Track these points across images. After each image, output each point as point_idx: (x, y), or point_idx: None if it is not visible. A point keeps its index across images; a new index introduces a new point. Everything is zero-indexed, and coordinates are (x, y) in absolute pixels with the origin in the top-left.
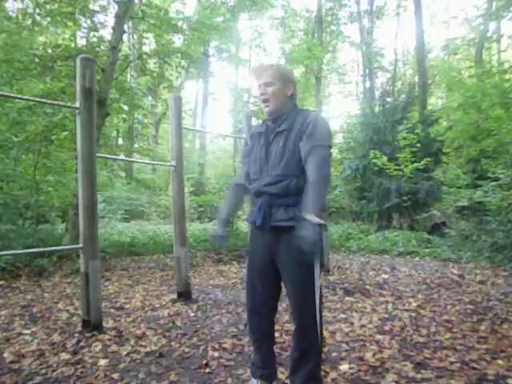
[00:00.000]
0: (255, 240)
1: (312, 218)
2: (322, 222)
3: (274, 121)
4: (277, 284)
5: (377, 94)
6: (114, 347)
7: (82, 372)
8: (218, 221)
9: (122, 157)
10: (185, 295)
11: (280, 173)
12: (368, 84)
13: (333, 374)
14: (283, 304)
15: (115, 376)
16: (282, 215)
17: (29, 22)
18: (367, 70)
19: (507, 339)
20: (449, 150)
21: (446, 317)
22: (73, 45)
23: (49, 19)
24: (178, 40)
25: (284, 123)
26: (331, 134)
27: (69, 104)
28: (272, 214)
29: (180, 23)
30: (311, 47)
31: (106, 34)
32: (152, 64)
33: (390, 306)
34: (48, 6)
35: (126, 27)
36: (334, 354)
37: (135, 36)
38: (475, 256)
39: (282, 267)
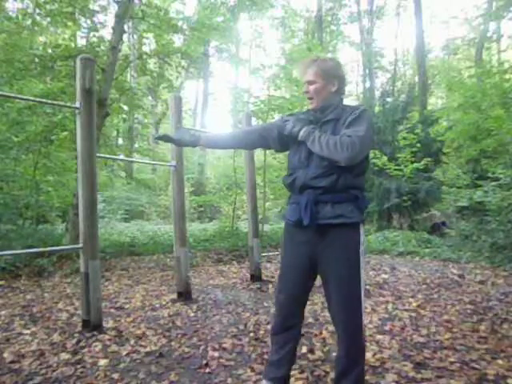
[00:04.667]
0: (292, 238)
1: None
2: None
3: (321, 111)
4: (311, 284)
5: (377, 94)
6: (114, 347)
7: (82, 372)
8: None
9: (121, 157)
10: (185, 295)
11: (329, 164)
12: (368, 84)
13: (333, 374)
14: None
15: (115, 376)
16: (330, 212)
17: (29, 22)
18: (367, 70)
19: (507, 339)
20: (449, 150)
21: (446, 317)
22: (73, 45)
23: (49, 19)
24: (178, 40)
25: (331, 114)
26: (372, 130)
27: (69, 104)
28: (318, 211)
29: (180, 23)
30: (311, 47)
31: (106, 34)
32: (152, 64)
33: (390, 306)
34: (48, 6)
35: (126, 27)
36: (334, 354)
37: (135, 36)
38: (475, 256)
39: (328, 267)
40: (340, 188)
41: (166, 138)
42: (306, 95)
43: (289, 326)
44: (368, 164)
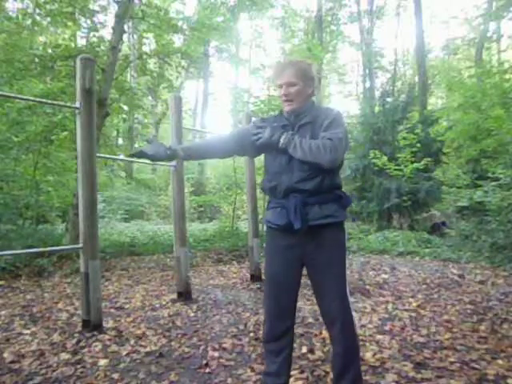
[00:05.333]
0: (277, 242)
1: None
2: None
3: (296, 115)
4: (299, 287)
5: (377, 94)
6: (114, 347)
7: (82, 372)
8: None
9: (121, 157)
10: (185, 295)
11: (311, 167)
12: (368, 84)
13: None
14: None
15: (115, 376)
16: (318, 213)
17: (29, 22)
18: (367, 70)
19: (507, 339)
20: (449, 150)
21: (446, 317)
22: (73, 45)
23: (49, 19)
24: (178, 40)
25: (306, 117)
26: (346, 132)
27: (69, 104)
28: (307, 212)
29: (180, 23)
30: (311, 47)
31: (106, 34)
32: (152, 64)
33: (390, 306)
34: (48, 6)
35: (126, 27)
36: None
37: (135, 36)
38: (475, 256)
39: (320, 267)
40: (325, 189)
41: (140, 155)
42: (284, 97)
43: (281, 332)
44: (343, 163)
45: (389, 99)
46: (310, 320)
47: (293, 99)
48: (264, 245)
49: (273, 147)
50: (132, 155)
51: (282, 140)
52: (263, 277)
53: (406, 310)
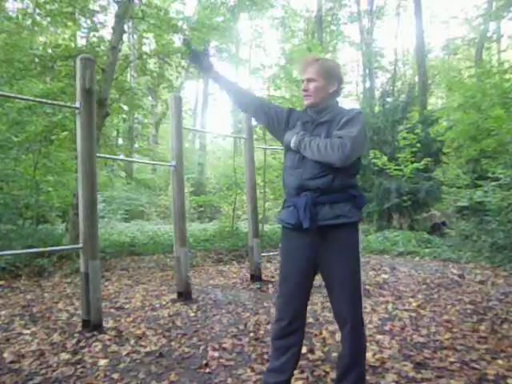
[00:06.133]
0: (291, 241)
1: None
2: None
3: (318, 112)
4: (311, 286)
5: (377, 94)
6: (114, 347)
7: (82, 372)
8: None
9: (121, 157)
10: (185, 295)
11: (323, 165)
12: (368, 84)
13: (333, 374)
14: None
15: (115, 376)
16: (329, 213)
17: (29, 22)
18: (367, 70)
19: (507, 339)
20: (449, 150)
21: (446, 317)
22: (73, 45)
23: (49, 19)
24: (178, 40)
25: (327, 115)
26: (365, 132)
27: (69, 104)
28: (317, 212)
29: (180, 23)
30: (311, 47)
31: (106, 34)
32: (152, 64)
33: (390, 306)
34: (48, 6)
35: (126, 27)
36: (334, 354)
37: (135, 36)
38: (475, 256)
39: (331, 268)
40: (336, 188)
41: (188, 44)
42: (303, 92)
43: (291, 330)
44: (361, 164)
45: (389, 99)
46: (310, 320)
47: (311, 95)
48: (280, 244)
49: (289, 149)
50: (185, 40)
51: (292, 143)
52: (263, 277)
53: (406, 310)
